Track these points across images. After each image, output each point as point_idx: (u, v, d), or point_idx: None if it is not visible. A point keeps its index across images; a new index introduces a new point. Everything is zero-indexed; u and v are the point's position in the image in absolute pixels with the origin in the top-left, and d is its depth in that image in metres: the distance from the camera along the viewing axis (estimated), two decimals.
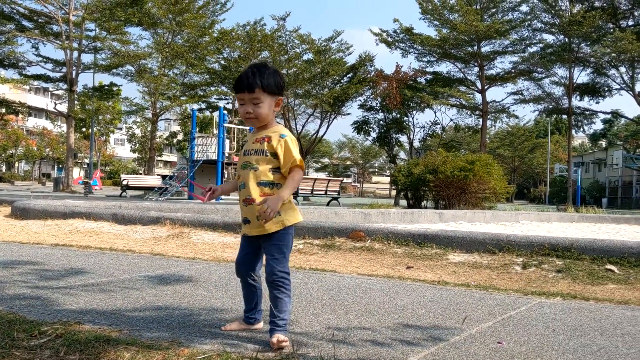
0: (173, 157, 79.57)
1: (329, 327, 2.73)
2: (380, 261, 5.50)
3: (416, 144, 37.08)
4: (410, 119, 35.73)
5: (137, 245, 6.13)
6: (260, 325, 2.67)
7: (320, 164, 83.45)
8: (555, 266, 4.99)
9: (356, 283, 4.15)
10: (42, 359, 2.03)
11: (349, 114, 35.91)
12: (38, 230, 7.21)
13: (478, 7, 31.95)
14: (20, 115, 39.99)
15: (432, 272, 5.02)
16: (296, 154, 2.48)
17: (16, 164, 63.95)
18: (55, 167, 67.40)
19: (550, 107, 36.80)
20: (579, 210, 20.31)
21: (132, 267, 4.49)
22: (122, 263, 4.75)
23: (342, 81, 33.81)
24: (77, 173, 54.57)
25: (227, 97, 34.26)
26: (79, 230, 7.23)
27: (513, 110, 37.05)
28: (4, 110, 28.04)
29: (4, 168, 61.44)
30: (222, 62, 33.83)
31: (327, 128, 35.62)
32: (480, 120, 34.69)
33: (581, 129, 39.97)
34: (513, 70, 33.96)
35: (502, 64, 34.65)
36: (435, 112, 36.09)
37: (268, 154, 2.48)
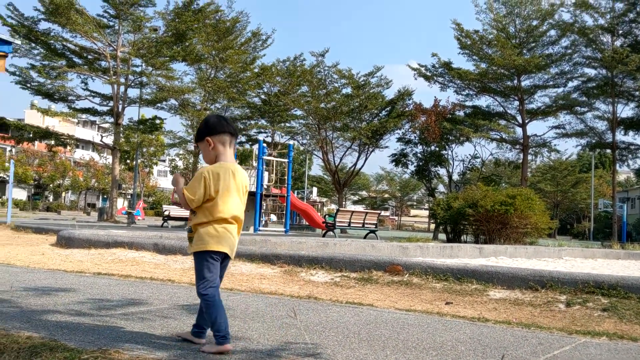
0: None
1: None
2: (419, 296, 5.42)
3: (455, 177, 36.73)
4: (449, 152, 35.54)
5: (176, 275, 6.20)
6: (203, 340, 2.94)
7: (357, 197, 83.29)
8: (600, 305, 4.83)
9: (394, 318, 4.10)
10: None
11: (387, 147, 35.83)
12: (82, 259, 7.37)
13: (517, 41, 31.81)
14: (68, 147, 41.28)
15: (472, 308, 4.92)
16: (189, 185, 2.88)
17: (63, 194, 65.78)
18: (100, 197, 69.06)
19: (594, 141, 36.05)
20: (625, 247, 19.64)
21: (171, 297, 4.54)
22: (162, 292, 4.81)
23: (380, 115, 33.91)
24: (121, 203, 55.76)
25: (267, 131, 34.76)
26: (121, 260, 7.35)
27: (555, 145, 36.45)
28: (53, 142, 28.96)
29: (51, 198, 63.27)
30: (262, 96, 34.41)
31: (365, 161, 35.64)
32: (521, 154, 34.21)
33: (626, 164, 38.96)
34: (554, 104, 33.52)
35: (543, 97, 34.36)
36: (474, 146, 35.82)
37: None
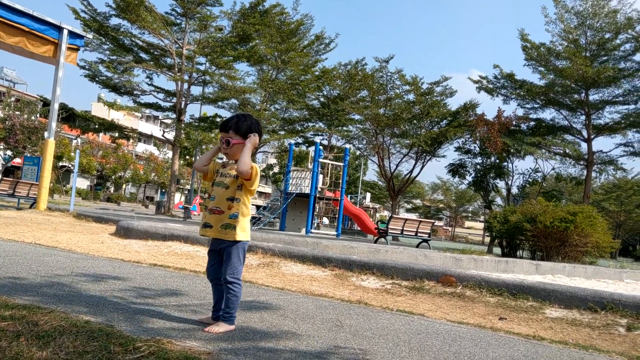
0: (268, 189, 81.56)
1: None
2: (471, 309, 5.30)
3: (514, 190, 35.83)
4: (510, 165, 34.70)
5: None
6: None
7: (411, 205, 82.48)
8: None
9: (445, 329, 4.02)
10: None
11: (444, 156, 35.16)
12: (139, 250, 7.56)
13: (587, 54, 30.74)
14: (131, 141, 42.53)
15: (527, 325, 4.77)
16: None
17: (123, 186, 67.88)
18: (159, 191, 70.94)
19: None
20: None
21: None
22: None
23: (440, 124, 33.46)
24: (178, 198, 57.10)
25: (324, 134, 34.83)
26: (176, 253, 7.51)
27: (622, 164, 34.85)
28: (117, 134, 29.89)
29: (112, 189, 65.41)
30: (322, 99, 34.52)
31: (421, 169, 35.16)
32: (584, 170, 33.05)
33: None
34: (623, 121, 32.19)
35: (612, 113, 32.78)
36: (536, 159, 34.85)
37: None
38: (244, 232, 3.15)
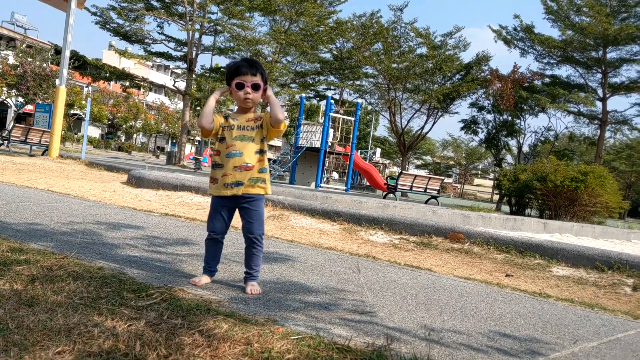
0: (278, 142, 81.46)
1: (423, 325, 2.69)
2: (478, 265, 5.35)
3: (525, 149, 35.60)
4: (522, 123, 34.36)
5: (240, 222, 6.32)
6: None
7: (421, 161, 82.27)
8: None
9: (452, 285, 4.06)
10: (147, 320, 2.14)
11: (456, 112, 34.83)
12: (150, 199, 7.63)
13: (608, 10, 29.95)
14: (142, 90, 42.31)
15: (533, 283, 4.82)
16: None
17: (134, 136, 68.04)
18: (169, 141, 71.08)
19: None
20: None
21: (234, 243, 4.64)
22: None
23: (453, 79, 33.02)
24: (189, 149, 57.19)
25: (336, 88, 34.46)
26: (187, 203, 7.57)
27: (636, 124, 34.38)
28: (128, 83, 29.75)
29: (123, 138, 65.60)
30: (334, 52, 34.00)
31: (433, 125, 34.87)
32: (598, 130, 32.70)
33: None
34: None
35: (629, 72, 31.99)
36: (549, 117, 34.50)
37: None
38: (270, 184, 3.12)
